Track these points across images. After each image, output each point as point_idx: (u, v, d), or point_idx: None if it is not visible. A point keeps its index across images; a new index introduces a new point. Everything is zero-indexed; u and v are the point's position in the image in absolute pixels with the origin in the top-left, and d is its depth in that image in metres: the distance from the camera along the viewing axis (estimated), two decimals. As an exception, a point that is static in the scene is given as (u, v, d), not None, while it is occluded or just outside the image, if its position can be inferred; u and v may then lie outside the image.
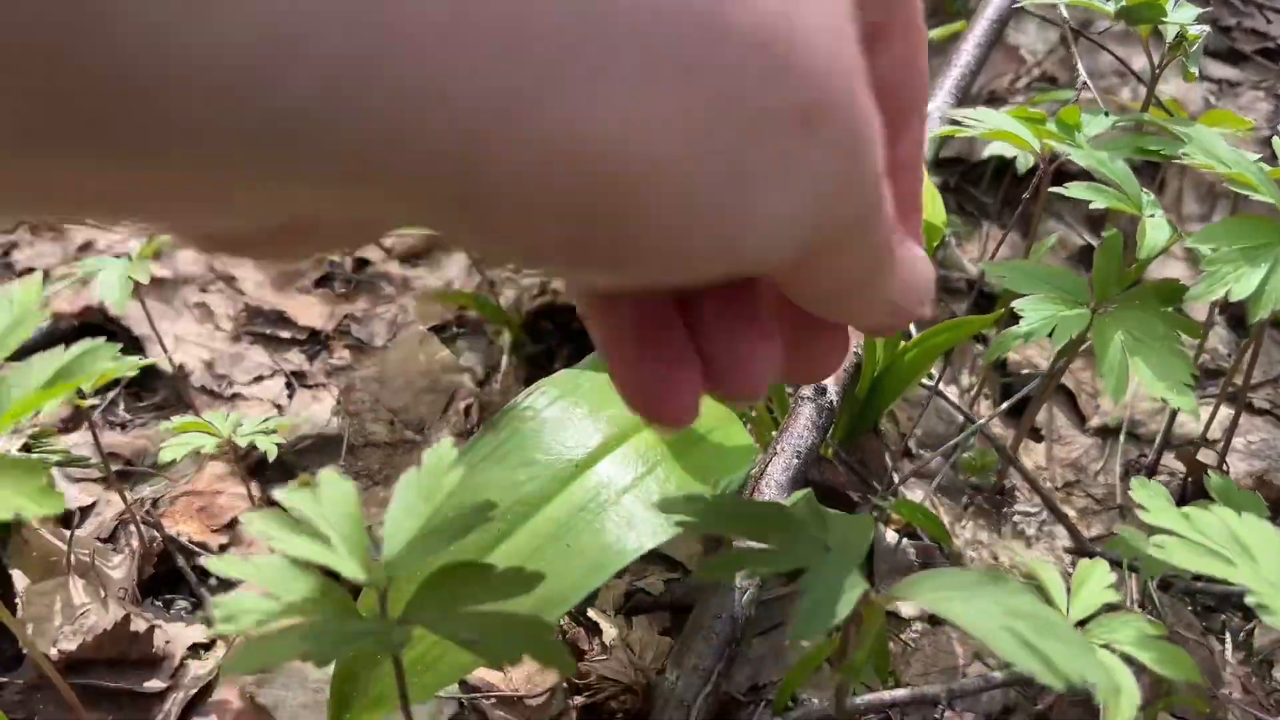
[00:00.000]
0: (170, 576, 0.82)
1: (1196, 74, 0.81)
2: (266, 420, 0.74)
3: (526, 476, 0.63)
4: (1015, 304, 0.68)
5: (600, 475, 0.63)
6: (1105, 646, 0.57)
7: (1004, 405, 0.92)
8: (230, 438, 0.72)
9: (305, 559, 0.44)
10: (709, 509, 0.47)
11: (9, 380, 0.52)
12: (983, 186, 1.23)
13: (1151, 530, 0.55)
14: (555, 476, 0.63)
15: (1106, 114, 0.87)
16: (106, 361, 0.48)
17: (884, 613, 0.46)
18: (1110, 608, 0.60)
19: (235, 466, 0.82)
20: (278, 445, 0.75)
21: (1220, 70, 1.36)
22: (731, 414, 0.69)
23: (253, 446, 0.76)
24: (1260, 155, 0.73)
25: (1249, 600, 0.50)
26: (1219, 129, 0.84)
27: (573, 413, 0.67)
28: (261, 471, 0.91)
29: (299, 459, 0.93)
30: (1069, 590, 0.61)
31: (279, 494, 0.45)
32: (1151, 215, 0.73)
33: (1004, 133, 0.82)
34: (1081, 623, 0.58)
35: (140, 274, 0.69)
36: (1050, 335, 0.67)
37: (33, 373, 0.52)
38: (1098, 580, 0.60)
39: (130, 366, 0.48)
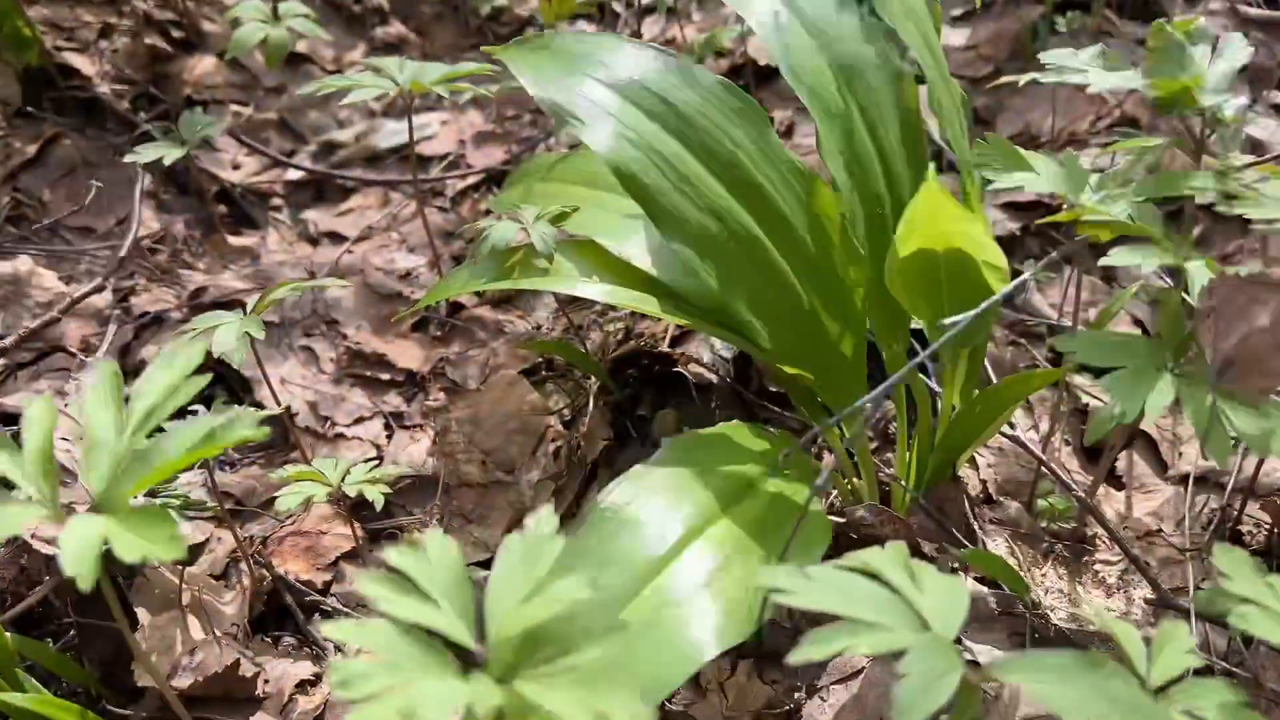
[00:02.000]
0: (278, 612, 0.87)
1: (1238, 157, 0.82)
2: (372, 470, 0.78)
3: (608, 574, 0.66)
4: (1098, 388, 0.69)
5: (678, 573, 0.67)
6: (1187, 713, 0.58)
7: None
8: (339, 487, 0.76)
9: (414, 622, 0.48)
10: (808, 583, 0.50)
11: (162, 441, 0.57)
12: (1063, 230, 1.23)
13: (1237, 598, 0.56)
14: (636, 574, 0.66)
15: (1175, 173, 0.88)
16: (248, 429, 0.52)
17: (980, 690, 0.48)
18: (1193, 670, 0.61)
19: (340, 509, 0.86)
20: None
21: (1308, 108, 1.34)
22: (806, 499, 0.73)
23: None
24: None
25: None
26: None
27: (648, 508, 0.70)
28: (361, 509, 0.96)
29: (398, 497, 0.97)
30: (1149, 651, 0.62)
31: (389, 555, 0.49)
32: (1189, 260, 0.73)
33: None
34: (1163, 687, 0.59)
35: (255, 329, 0.74)
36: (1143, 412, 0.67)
37: (186, 435, 0.57)
38: (1179, 644, 0.61)
39: (264, 435, 0.53)
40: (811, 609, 0.50)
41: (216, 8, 1.56)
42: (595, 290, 0.82)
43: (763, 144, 0.80)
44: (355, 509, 0.95)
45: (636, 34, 1.34)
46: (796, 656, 0.46)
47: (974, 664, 0.84)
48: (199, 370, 0.59)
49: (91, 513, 0.52)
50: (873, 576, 0.53)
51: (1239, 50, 0.92)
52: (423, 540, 0.51)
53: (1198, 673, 0.81)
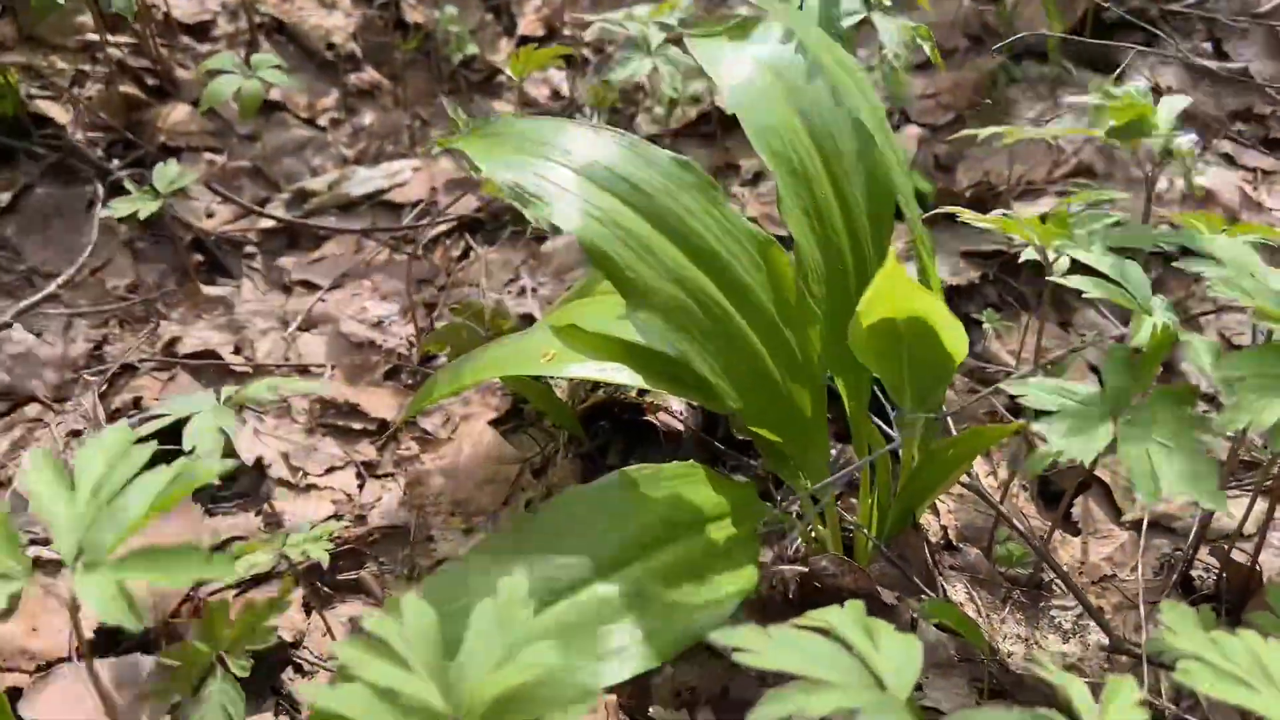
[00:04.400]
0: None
1: (1201, 186, 0.85)
2: (314, 529, 0.80)
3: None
4: (1036, 426, 0.72)
5: (601, 593, 0.71)
6: (1131, 765, 0.60)
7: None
8: (281, 551, 0.78)
9: (388, 687, 0.49)
10: (768, 642, 0.52)
11: (128, 493, 0.58)
12: (1021, 277, 1.27)
13: (1182, 653, 0.59)
14: (560, 586, 0.70)
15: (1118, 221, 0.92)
16: (208, 475, 0.54)
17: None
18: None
19: (291, 571, 0.88)
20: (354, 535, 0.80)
21: (1255, 159, 1.39)
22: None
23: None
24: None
25: (1268, 729, 0.53)
26: (1249, 237, 0.88)
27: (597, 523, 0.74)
28: (334, 561, 0.97)
29: (371, 548, 0.99)
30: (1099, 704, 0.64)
31: (367, 622, 0.50)
32: (1151, 313, 0.76)
33: (1010, 224, 0.87)
34: (1110, 740, 0.62)
35: (226, 422, 0.75)
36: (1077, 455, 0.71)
37: (147, 488, 0.58)
38: (1125, 698, 0.64)
39: (225, 471, 0.55)
40: (771, 669, 0.52)
41: (190, 55, 1.58)
42: (581, 370, 0.86)
43: (718, 214, 0.83)
44: (330, 562, 0.96)
45: (604, 84, 1.37)
46: (755, 717, 0.48)
47: (933, 710, 0.86)
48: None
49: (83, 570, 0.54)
50: (831, 635, 0.55)
51: (1179, 100, 0.96)
52: (399, 604, 0.53)
53: (1151, 718, 0.84)
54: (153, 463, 0.58)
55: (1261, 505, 0.98)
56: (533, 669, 0.49)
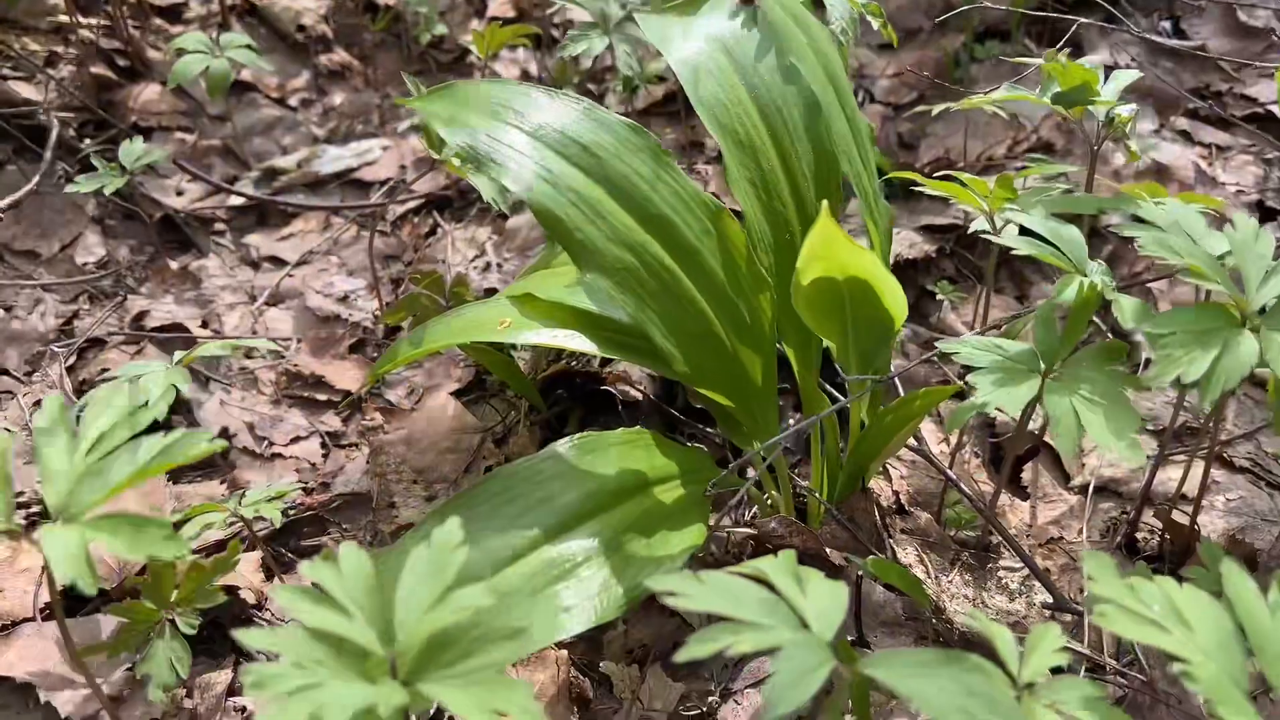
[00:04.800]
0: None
1: (1139, 154, 0.87)
2: (269, 488, 0.82)
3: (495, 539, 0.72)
4: (968, 378, 0.74)
5: (559, 550, 0.73)
6: (1052, 707, 0.62)
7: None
8: (237, 511, 0.79)
9: (326, 629, 0.51)
10: (700, 586, 0.54)
11: (118, 457, 0.60)
12: (977, 251, 1.29)
13: (1100, 599, 0.61)
14: (521, 544, 0.72)
15: (1071, 190, 0.94)
16: (199, 448, 0.56)
17: (859, 683, 0.52)
18: (1062, 669, 0.66)
19: (250, 533, 0.90)
20: (318, 502, 0.82)
21: (1212, 135, 1.41)
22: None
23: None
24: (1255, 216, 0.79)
25: (1176, 668, 0.55)
26: (1196, 205, 0.90)
27: (547, 488, 0.77)
28: (299, 528, 0.99)
29: (334, 515, 1.01)
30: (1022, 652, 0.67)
31: (303, 567, 0.52)
32: (1085, 275, 0.79)
33: (959, 190, 0.89)
34: (1031, 684, 0.64)
35: (181, 381, 0.76)
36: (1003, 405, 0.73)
37: (140, 452, 0.60)
38: (1048, 644, 0.66)
39: (220, 447, 0.56)
40: (700, 610, 0.54)
41: (162, 36, 1.59)
42: (535, 337, 0.87)
43: (669, 178, 0.84)
44: (291, 527, 0.98)
45: (569, 61, 1.38)
46: (683, 655, 0.50)
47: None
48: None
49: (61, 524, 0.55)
50: (762, 582, 0.57)
51: (1127, 75, 0.98)
52: (336, 553, 0.55)
53: (1090, 672, 0.87)
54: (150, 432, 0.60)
55: (1199, 470, 1.00)
56: (464, 611, 0.51)
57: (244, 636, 0.49)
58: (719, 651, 0.52)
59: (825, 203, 0.70)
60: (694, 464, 0.89)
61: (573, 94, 0.84)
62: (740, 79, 0.91)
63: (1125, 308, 0.78)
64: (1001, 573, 0.97)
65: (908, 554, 0.97)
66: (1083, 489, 1.05)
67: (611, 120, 0.84)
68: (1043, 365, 0.76)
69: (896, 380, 1.04)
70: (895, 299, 0.78)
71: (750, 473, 0.93)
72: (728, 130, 0.88)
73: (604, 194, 0.81)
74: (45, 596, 0.86)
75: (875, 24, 0.97)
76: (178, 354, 0.83)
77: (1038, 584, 0.96)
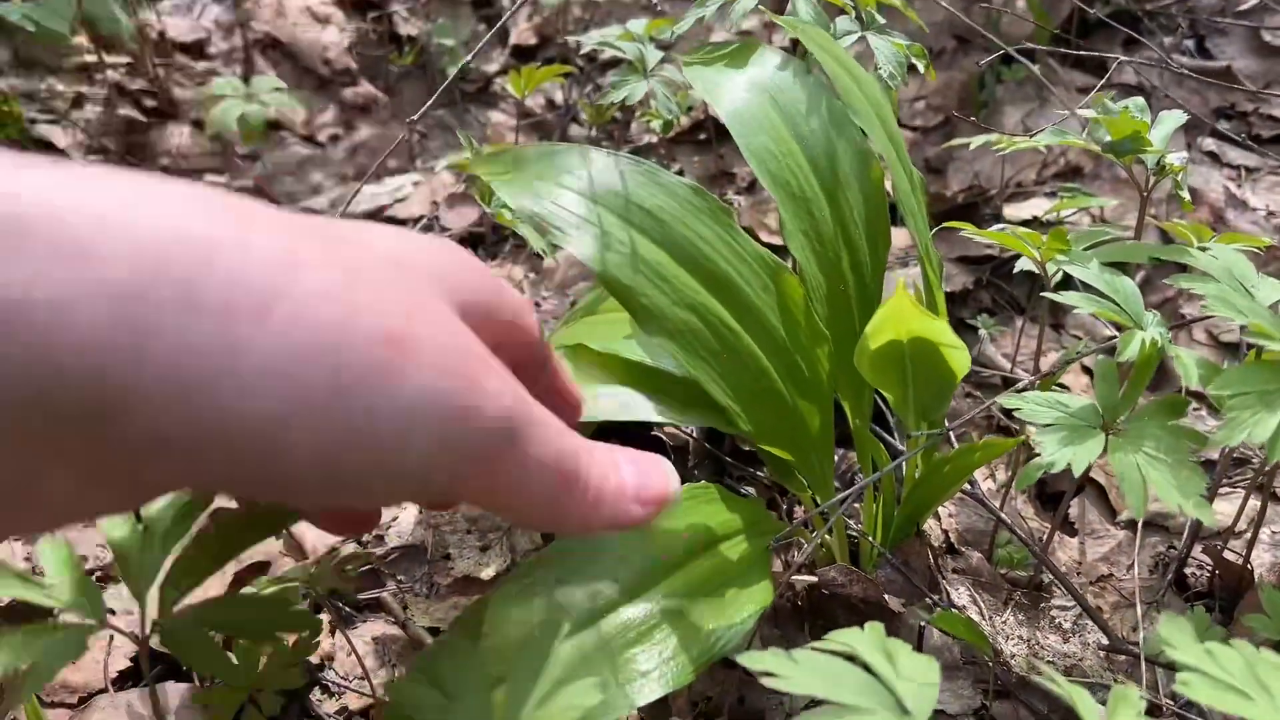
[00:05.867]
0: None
1: (1189, 199, 0.88)
2: (339, 558, 0.82)
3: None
4: (1032, 437, 0.75)
5: (629, 614, 0.73)
6: (1138, 772, 0.63)
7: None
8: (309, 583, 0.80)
9: None
10: (795, 666, 0.55)
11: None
12: (1015, 281, 1.30)
13: (1181, 666, 0.62)
14: (592, 609, 0.73)
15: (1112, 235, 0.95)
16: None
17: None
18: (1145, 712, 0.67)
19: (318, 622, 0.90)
20: (375, 555, 0.83)
21: (1240, 156, 1.42)
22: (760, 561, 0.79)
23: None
24: None
25: (1261, 736, 0.56)
26: (1237, 245, 0.91)
27: (624, 546, 0.77)
28: (356, 580, 1.00)
29: (389, 568, 1.01)
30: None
31: (416, 661, 0.53)
32: (1144, 329, 0.79)
33: (1011, 240, 0.90)
34: (1115, 748, 0.65)
35: None
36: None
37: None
38: (1129, 708, 0.67)
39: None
40: (797, 692, 0.55)
41: (187, 74, 1.59)
42: (595, 408, 0.88)
43: (729, 238, 0.85)
44: (334, 591, 0.99)
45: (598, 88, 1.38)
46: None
47: (940, 713, 0.90)
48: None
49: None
50: (852, 658, 0.58)
51: (1173, 118, 0.99)
52: (446, 641, 0.56)
53: (1150, 713, 0.88)
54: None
55: (1254, 503, 1.01)
56: (574, 710, 0.51)
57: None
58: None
59: (901, 280, 0.71)
60: (756, 517, 0.89)
61: (630, 156, 0.85)
62: (789, 130, 0.92)
63: (1189, 367, 0.79)
64: (1054, 612, 0.98)
65: (960, 595, 0.98)
66: (1130, 524, 1.06)
67: (672, 182, 0.85)
68: (1104, 420, 0.77)
69: (945, 421, 1.05)
70: (958, 359, 0.79)
71: (809, 523, 0.94)
72: (780, 182, 0.89)
73: (667, 257, 0.82)
74: (115, 665, 0.86)
75: (920, 66, 0.97)
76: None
77: (1090, 623, 0.97)
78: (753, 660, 0.57)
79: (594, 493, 0.47)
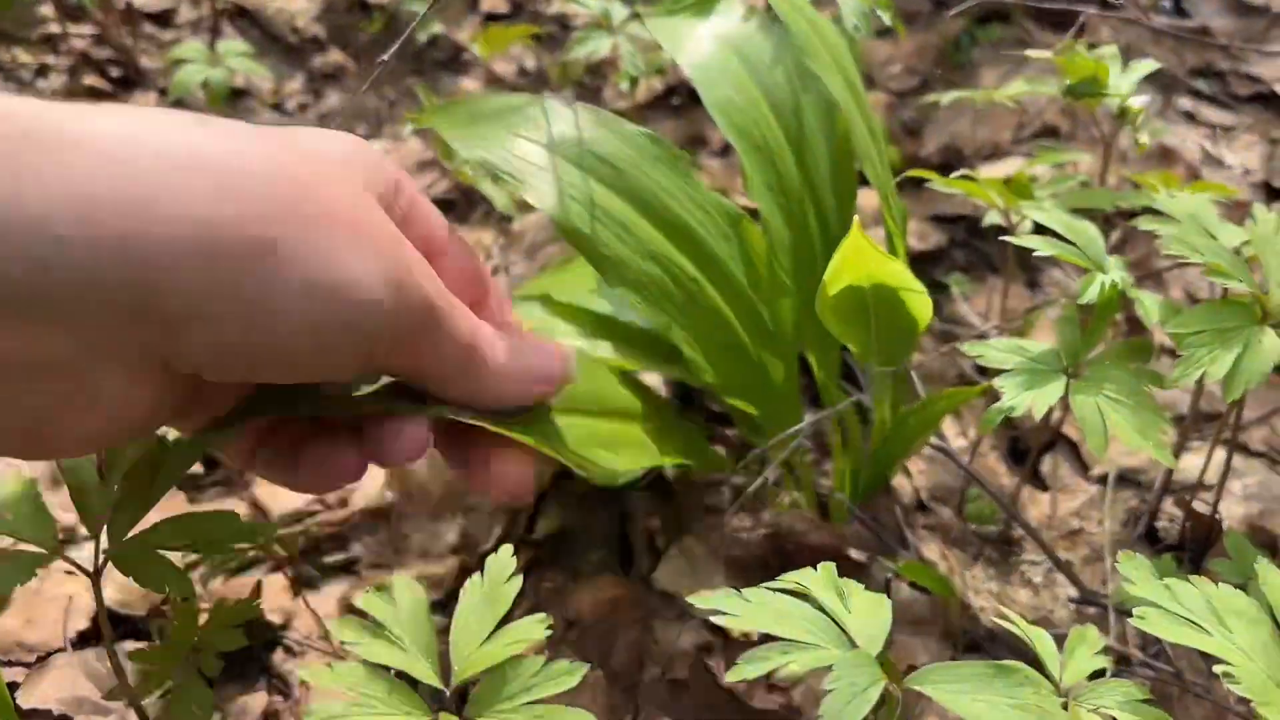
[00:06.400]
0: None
1: (1147, 143, 0.87)
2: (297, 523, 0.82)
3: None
4: (995, 381, 0.74)
5: None
6: (1095, 712, 0.63)
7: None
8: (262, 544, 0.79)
9: (383, 664, 0.52)
10: (746, 605, 0.54)
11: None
12: (988, 239, 1.29)
13: (1139, 601, 0.61)
14: None
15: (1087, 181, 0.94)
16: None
17: (899, 701, 0.52)
18: (1101, 672, 0.66)
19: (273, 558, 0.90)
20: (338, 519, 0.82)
21: (1216, 115, 1.41)
22: None
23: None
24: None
25: (1218, 669, 0.56)
26: (1207, 195, 0.90)
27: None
28: (320, 544, 0.99)
29: (353, 532, 1.00)
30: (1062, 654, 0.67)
31: (359, 600, 0.53)
32: (1105, 272, 0.79)
33: (975, 188, 0.89)
34: (1073, 688, 0.64)
35: None
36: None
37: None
38: (1087, 648, 0.66)
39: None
40: (750, 629, 0.54)
41: (154, 43, 1.57)
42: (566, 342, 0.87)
43: (690, 188, 0.84)
44: (315, 542, 0.98)
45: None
46: (733, 676, 0.50)
47: (909, 665, 0.89)
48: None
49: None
50: (804, 596, 0.57)
51: (1144, 65, 0.98)
52: (390, 584, 0.55)
53: (1118, 664, 0.87)
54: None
55: (1221, 455, 1.01)
56: (519, 644, 0.51)
57: (308, 675, 0.49)
58: (771, 672, 0.52)
59: (856, 217, 0.70)
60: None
61: (589, 105, 0.83)
62: (754, 82, 0.90)
63: (1148, 306, 0.78)
64: (1025, 566, 0.98)
65: (931, 550, 0.98)
66: (1102, 479, 1.05)
67: (630, 131, 0.83)
68: (1066, 365, 0.76)
69: (914, 376, 1.04)
70: (920, 304, 0.78)
71: (770, 471, 0.93)
72: (744, 134, 0.88)
73: (627, 206, 0.81)
74: (74, 625, 0.85)
75: (886, 18, 0.96)
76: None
77: (1061, 577, 0.96)
78: (702, 600, 0.56)
79: (500, 370, 0.55)
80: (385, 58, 0.73)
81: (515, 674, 0.51)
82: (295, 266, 0.42)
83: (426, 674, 0.52)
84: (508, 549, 0.56)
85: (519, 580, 0.55)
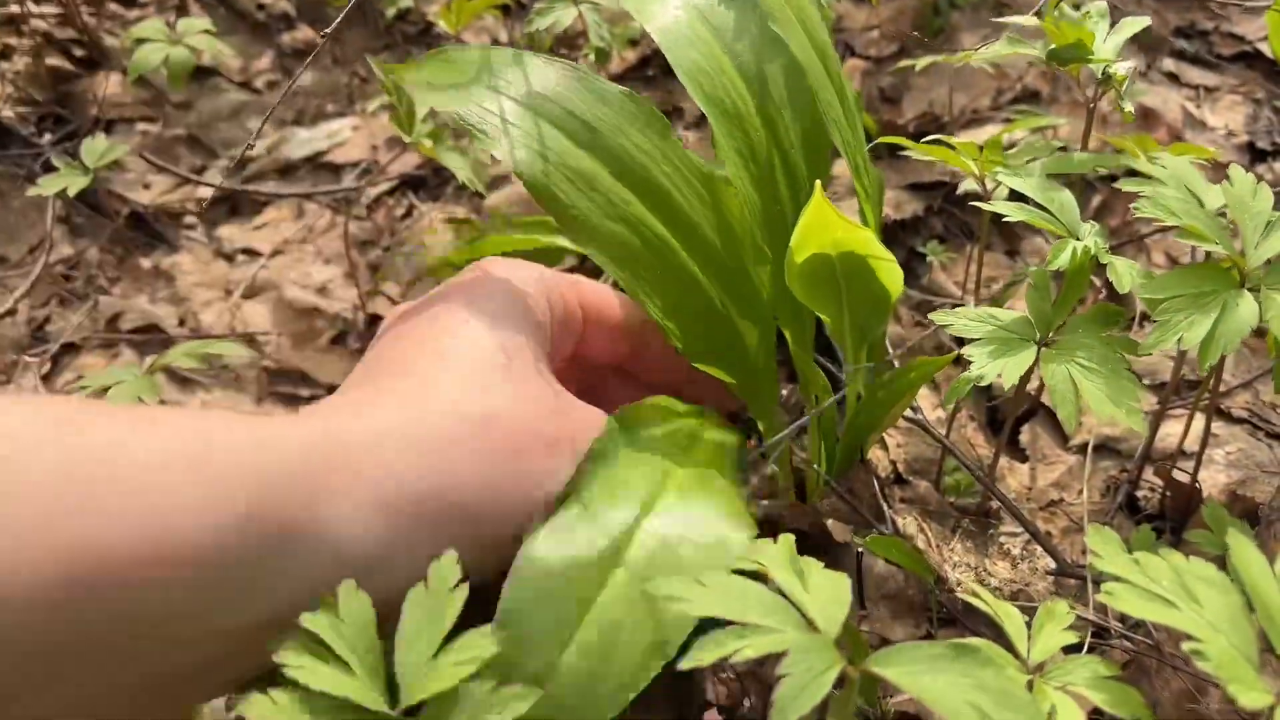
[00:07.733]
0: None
1: (1131, 111, 0.85)
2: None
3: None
4: (964, 350, 0.72)
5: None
6: (1063, 689, 0.61)
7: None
8: None
9: (328, 690, 0.47)
10: (702, 590, 0.52)
11: None
12: (966, 208, 1.27)
13: (1107, 576, 0.60)
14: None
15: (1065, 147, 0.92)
16: None
17: (863, 679, 0.50)
18: (1079, 646, 0.65)
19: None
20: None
21: (1199, 76, 1.39)
22: None
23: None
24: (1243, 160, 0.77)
25: (1185, 646, 0.54)
26: (1189, 156, 0.88)
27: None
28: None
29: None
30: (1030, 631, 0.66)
31: (303, 619, 0.48)
32: (1079, 238, 0.77)
33: (948, 154, 0.87)
34: (1041, 666, 0.63)
35: (146, 391, 0.74)
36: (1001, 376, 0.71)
37: None
38: (1056, 623, 0.65)
39: None
40: (705, 615, 0.53)
41: (119, 23, 1.54)
42: None
43: (667, 149, 0.81)
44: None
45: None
46: (687, 662, 0.48)
47: (885, 641, 0.88)
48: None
49: None
50: (761, 588, 0.55)
51: (1133, 23, 0.95)
52: (334, 597, 0.51)
53: (1096, 636, 0.86)
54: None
55: (1201, 422, 0.99)
56: (469, 663, 0.47)
57: (242, 708, 0.46)
58: (725, 657, 0.50)
59: (818, 182, 0.67)
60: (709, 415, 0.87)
61: (569, 61, 0.80)
62: (722, 47, 0.88)
63: (1120, 271, 0.76)
64: (1003, 539, 0.96)
65: (908, 524, 0.96)
66: (1081, 448, 1.04)
67: (607, 89, 0.80)
68: (1038, 333, 0.74)
69: (890, 346, 1.02)
70: (890, 273, 0.76)
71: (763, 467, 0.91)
72: (713, 100, 0.85)
73: (599, 166, 0.78)
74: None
75: (854, -18, 0.94)
76: (148, 360, 0.80)
77: (1040, 549, 0.95)
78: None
79: None
80: (328, 31, 0.70)
81: (465, 698, 0.48)
82: None
83: (375, 700, 0.48)
84: (452, 553, 0.52)
85: (465, 588, 0.51)
